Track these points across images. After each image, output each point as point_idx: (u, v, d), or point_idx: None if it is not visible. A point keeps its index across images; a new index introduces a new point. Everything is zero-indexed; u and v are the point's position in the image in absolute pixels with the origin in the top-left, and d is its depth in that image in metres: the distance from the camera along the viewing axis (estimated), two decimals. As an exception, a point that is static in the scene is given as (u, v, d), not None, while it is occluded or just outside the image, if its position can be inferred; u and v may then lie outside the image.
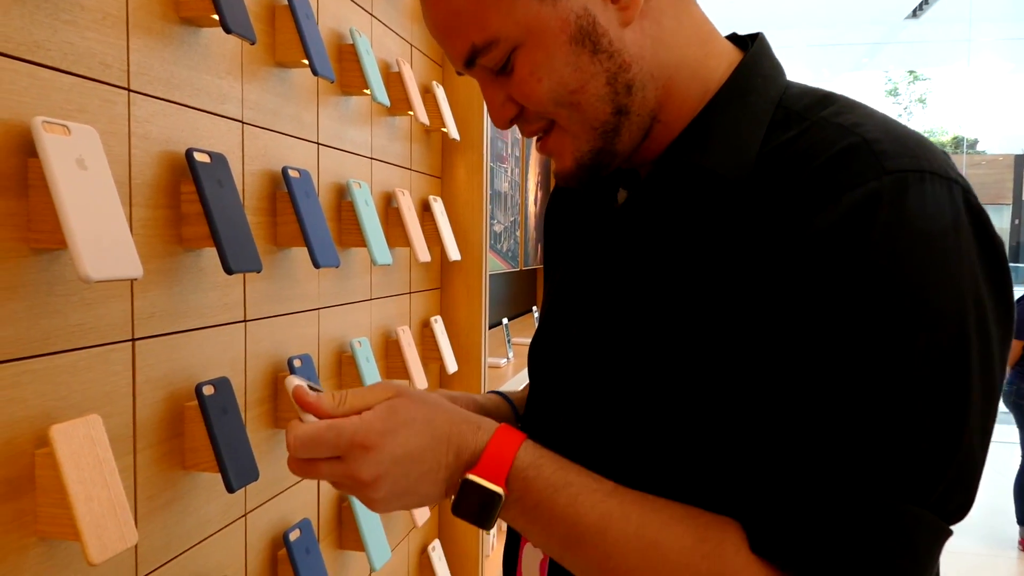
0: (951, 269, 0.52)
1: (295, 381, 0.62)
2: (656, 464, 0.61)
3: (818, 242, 0.53)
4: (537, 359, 0.79)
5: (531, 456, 0.60)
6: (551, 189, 0.90)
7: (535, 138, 0.68)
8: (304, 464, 0.60)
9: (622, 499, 0.58)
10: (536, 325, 0.84)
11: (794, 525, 0.52)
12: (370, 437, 0.58)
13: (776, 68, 0.67)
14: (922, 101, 18.60)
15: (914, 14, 12.44)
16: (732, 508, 0.57)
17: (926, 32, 13.32)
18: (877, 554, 0.51)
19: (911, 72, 17.95)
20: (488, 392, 0.89)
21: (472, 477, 0.58)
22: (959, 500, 0.53)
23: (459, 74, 0.67)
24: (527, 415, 0.81)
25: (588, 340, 0.68)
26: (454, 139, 1.81)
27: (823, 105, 0.61)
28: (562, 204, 0.86)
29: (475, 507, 0.58)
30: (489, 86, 0.65)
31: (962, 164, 16.72)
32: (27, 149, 0.74)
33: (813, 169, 0.55)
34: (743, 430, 0.57)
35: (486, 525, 0.58)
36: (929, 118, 18.67)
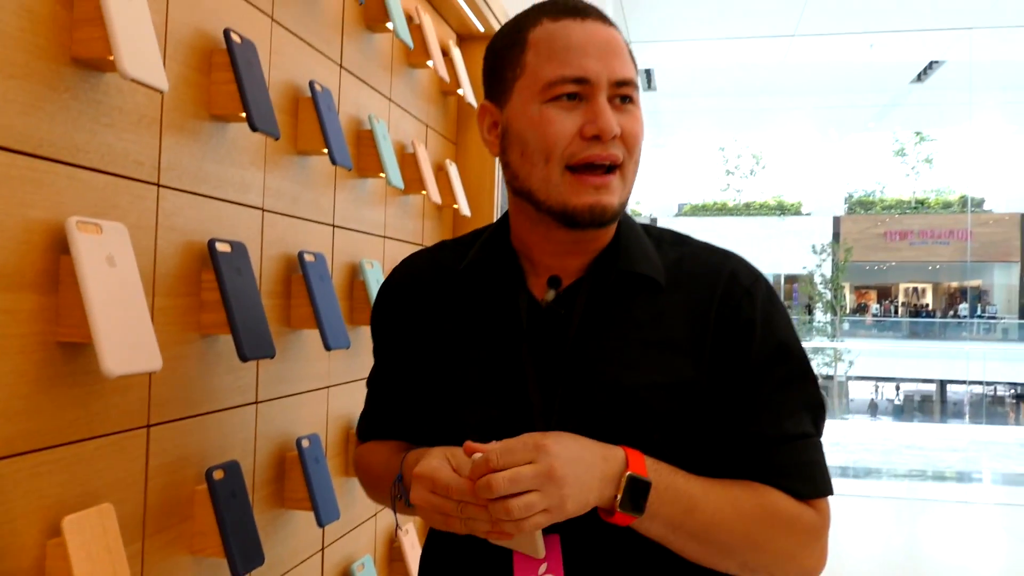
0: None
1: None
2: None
3: (742, 313, 0.86)
4: (488, 430, 0.83)
5: (650, 458, 0.81)
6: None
7: (601, 173, 0.82)
8: (508, 483, 0.72)
9: (710, 479, 0.82)
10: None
11: (802, 471, 0.84)
12: (538, 439, 0.74)
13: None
14: (928, 161, 18.71)
15: (919, 78, 12.71)
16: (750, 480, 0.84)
17: (931, 96, 13.54)
18: (823, 465, 0.86)
19: (917, 133, 18.13)
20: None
21: (631, 472, 0.77)
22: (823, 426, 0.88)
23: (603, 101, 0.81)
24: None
25: (578, 407, 0.84)
26: (465, 215, 1.86)
27: (681, 238, 0.93)
28: (418, 297, 0.97)
29: (635, 494, 0.77)
30: (609, 109, 0.82)
31: (968, 223, 16.75)
32: (60, 246, 0.78)
33: (721, 279, 0.87)
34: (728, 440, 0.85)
35: (640, 509, 0.77)
36: (936, 178, 18.67)
